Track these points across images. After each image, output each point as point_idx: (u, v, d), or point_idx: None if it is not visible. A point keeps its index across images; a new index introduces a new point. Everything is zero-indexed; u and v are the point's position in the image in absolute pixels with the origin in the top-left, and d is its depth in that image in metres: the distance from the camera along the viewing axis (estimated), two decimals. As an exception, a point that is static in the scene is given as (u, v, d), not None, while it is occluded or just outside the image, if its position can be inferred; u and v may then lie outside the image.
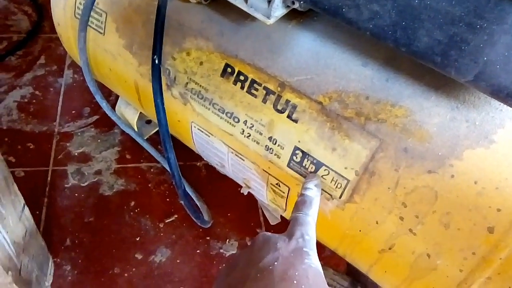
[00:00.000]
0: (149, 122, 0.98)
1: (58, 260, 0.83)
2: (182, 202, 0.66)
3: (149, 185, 0.93)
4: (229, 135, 0.63)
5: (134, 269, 0.82)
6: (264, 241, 0.43)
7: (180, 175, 0.64)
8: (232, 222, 0.88)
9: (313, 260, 0.42)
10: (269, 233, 0.45)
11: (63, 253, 0.83)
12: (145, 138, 0.93)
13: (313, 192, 0.52)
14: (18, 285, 0.65)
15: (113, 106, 0.89)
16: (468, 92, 0.50)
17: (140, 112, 0.89)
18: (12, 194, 0.63)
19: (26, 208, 0.69)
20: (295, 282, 0.39)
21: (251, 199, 0.92)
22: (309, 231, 0.46)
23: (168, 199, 0.91)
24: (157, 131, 0.97)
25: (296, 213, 0.49)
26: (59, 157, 0.96)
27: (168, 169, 0.89)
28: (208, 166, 0.96)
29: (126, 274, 0.81)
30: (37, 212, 0.87)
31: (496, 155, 0.48)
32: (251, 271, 0.40)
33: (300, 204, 0.50)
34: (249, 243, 0.84)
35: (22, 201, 0.67)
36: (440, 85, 0.51)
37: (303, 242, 0.44)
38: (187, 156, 0.73)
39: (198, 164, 0.96)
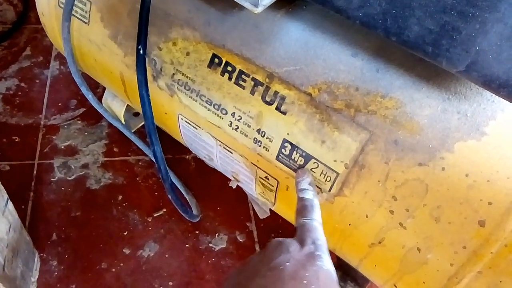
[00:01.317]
0: (136, 114, 0.96)
1: (44, 255, 0.81)
2: (169, 196, 0.65)
3: (137, 178, 0.91)
4: (217, 128, 0.62)
5: (122, 264, 0.81)
6: (277, 245, 0.43)
7: (167, 168, 0.63)
8: (221, 216, 0.87)
9: (325, 262, 0.42)
10: (282, 238, 0.45)
11: (50, 248, 0.82)
12: (133, 130, 0.91)
13: (310, 193, 0.51)
14: (1, 281, 0.64)
15: (99, 98, 0.87)
16: (459, 83, 0.49)
17: (128, 104, 0.88)
18: (-5, 188, 0.62)
19: (10, 203, 0.67)
20: (305, 282, 0.38)
21: (241, 193, 0.91)
22: (319, 236, 0.46)
23: (156, 193, 0.89)
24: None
25: (302, 219, 0.48)
26: (45, 150, 0.94)
27: (156, 163, 0.88)
28: (197, 159, 0.94)
29: (113, 269, 0.80)
30: (23, 207, 0.85)
31: (488, 148, 0.47)
32: (262, 269, 0.40)
33: (303, 209, 0.49)
34: (240, 238, 0.83)
35: (6, 196, 0.66)
36: (431, 76, 0.50)
37: (315, 247, 0.43)
38: (176, 149, 0.72)
39: (187, 157, 0.95)
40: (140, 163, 0.93)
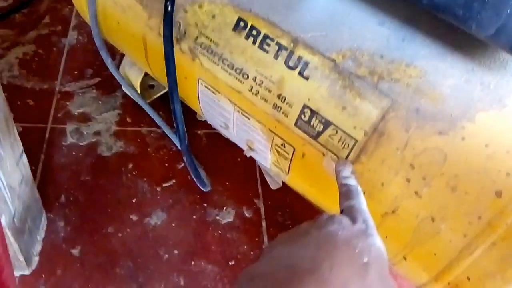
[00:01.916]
0: (152, 86, 0.96)
1: (52, 215, 0.82)
2: (184, 158, 0.65)
3: (149, 149, 0.92)
4: (236, 93, 0.62)
5: (128, 230, 0.81)
6: (328, 217, 0.42)
7: (185, 129, 0.63)
8: (230, 191, 0.87)
9: (377, 242, 0.41)
10: (334, 213, 0.45)
11: (57, 209, 0.82)
12: (147, 102, 0.92)
13: (353, 180, 0.51)
14: (10, 231, 0.64)
15: (117, 67, 0.88)
16: (484, 55, 0.49)
17: (143, 77, 0.88)
18: (12, 137, 0.62)
19: (24, 155, 0.68)
20: (357, 250, 0.38)
21: (250, 170, 0.91)
22: (369, 217, 0.45)
23: (167, 164, 0.90)
24: (159, 97, 0.96)
25: (349, 202, 0.47)
26: (59, 115, 0.94)
27: (169, 134, 0.88)
28: (209, 135, 0.95)
29: (120, 234, 0.80)
30: (33, 168, 0.85)
31: (509, 119, 0.47)
32: (313, 232, 0.39)
33: (348, 193, 0.49)
34: (247, 214, 0.84)
35: (21, 147, 0.66)
36: (456, 47, 0.50)
37: (366, 227, 0.43)
38: (188, 123, 0.72)
39: (199, 132, 0.95)
40: (152, 135, 0.94)
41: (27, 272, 0.75)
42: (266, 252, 0.39)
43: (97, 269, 0.77)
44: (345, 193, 0.49)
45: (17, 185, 0.65)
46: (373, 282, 0.37)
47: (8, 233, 0.63)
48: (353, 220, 0.43)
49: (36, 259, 0.77)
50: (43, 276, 0.76)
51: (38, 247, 0.78)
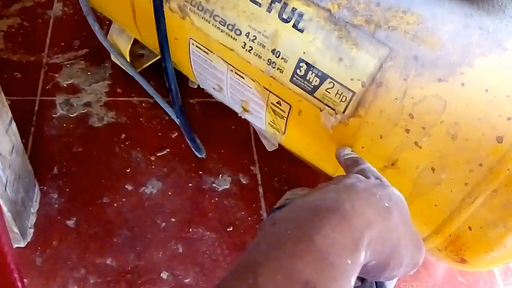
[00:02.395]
0: (141, 55, 0.94)
1: (45, 188, 0.80)
2: (178, 120, 0.64)
3: (141, 119, 0.90)
4: (229, 51, 0.60)
5: (124, 200, 0.80)
6: (345, 175, 0.42)
7: (178, 88, 0.62)
8: (225, 158, 0.86)
9: (397, 191, 0.41)
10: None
11: (50, 182, 0.81)
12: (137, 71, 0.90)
13: (355, 154, 0.52)
14: (3, 200, 0.63)
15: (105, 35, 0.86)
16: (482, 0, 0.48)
17: (132, 46, 0.86)
18: (0, 103, 0.60)
19: (13, 123, 0.66)
20: (378, 196, 0.37)
21: (245, 138, 0.90)
22: (382, 176, 0.45)
23: (160, 134, 0.88)
24: (148, 67, 0.94)
25: (358, 167, 0.47)
26: (47, 87, 0.92)
27: (160, 103, 0.86)
28: (202, 103, 0.93)
29: (115, 204, 0.79)
30: (24, 141, 0.83)
31: (509, 63, 0.46)
32: (331, 184, 0.39)
33: (354, 162, 0.49)
34: (244, 180, 0.83)
35: (10, 114, 0.65)
36: (454, -8, 0.49)
37: (381, 181, 0.43)
38: (181, 93, 0.70)
39: (192, 101, 0.93)
40: (143, 104, 0.92)
41: (22, 244, 0.74)
42: (283, 201, 0.39)
43: (93, 239, 0.76)
44: (352, 163, 0.49)
45: (8, 154, 0.64)
46: (398, 224, 0.36)
47: (0, 202, 0.62)
48: (367, 178, 0.43)
49: (31, 231, 0.76)
50: (39, 248, 0.75)
51: (32, 219, 0.77)
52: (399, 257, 0.36)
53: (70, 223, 0.77)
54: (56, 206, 0.79)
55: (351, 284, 0.31)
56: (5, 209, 0.63)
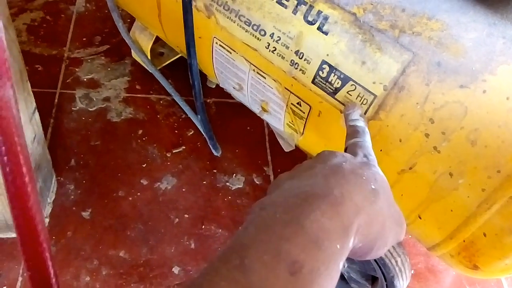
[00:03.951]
0: (161, 54, 0.96)
1: (62, 179, 0.81)
2: (198, 116, 0.65)
3: (158, 116, 0.91)
4: (252, 50, 0.61)
5: (138, 194, 0.81)
6: (330, 152, 0.42)
7: (200, 85, 0.63)
8: (239, 158, 0.87)
9: (380, 172, 0.41)
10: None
11: (67, 173, 0.82)
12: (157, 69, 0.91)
13: (361, 122, 0.51)
14: (24, 187, 0.64)
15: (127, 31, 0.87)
16: (506, 9, 0.49)
17: (153, 45, 0.88)
18: (25, 92, 0.62)
19: (37, 113, 0.67)
20: (364, 178, 0.38)
21: (259, 138, 0.91)
22: (371, 152, 0.45)
23: (176, 131, 0.90)
24: (168, 65, 0.96)
25: (352, 140, 0.47)
26: (68, 81, 0.94)
27: (178, 101, 0.88)
28: (218, 104, 0.94)
29: (130, 198, 0.81)
30: (43, 132, 0.85)
31: (532, 72, 0.47)
32: (317, 165, 0.39)
33: (354, 133, 0.49)
34: (257, 181, 0.84)
35: (34, 104, 0.66)
36: (478, 1, 0.50)
37: (367, 160, 0.43)
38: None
39: (209, 101, 0.95)
40: (161, 102, 0.93)
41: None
42: (273, 188, 0.39)
43: (107, 231, 0.77)
44: (351, 133, 0.49)
45: (30, 142, 0.65)
46: (383, 207, 0.37)
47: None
48: (355, 154, 0.43)
49: (46, 220, 0.77)
50: (54, 237, 0.76)
51: (48, 209, 0.78)
52: (384, 238, 0.37)
53: (85, 214, 0.78)
54: (72, 197, 0.80)
55: (339, 268, 0.32)
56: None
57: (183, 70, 0.67)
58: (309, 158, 0.45)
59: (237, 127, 0.92)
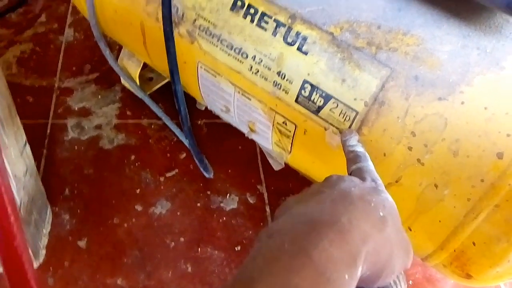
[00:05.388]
0: (150, 79, 0.97)
1: (57, 209, 0.82)
2: (186, 140, 0.66)
3: (150, 140, 0.92)
4: (236, 73, 0.62)
5: (134, 220, 0.81)
6: (339, 177, 0.42)
7: (187, 110, 0.63)
8: (232, 178, 0.88)
9: (389, 197, 0.41)
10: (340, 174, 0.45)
11: (62, 203, 0.83)
12: (146, 94, 0.92)
13: (360, 147, 0.51)
14: (18, 221, 0.64)
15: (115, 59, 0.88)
16: (479, 20, 0.50)
17: (142, 70, 0.89)
18: (15, 126, 0.63)
19: (28, 146, 0.68)
20: (372, 205, 0.38)
21: (252, 157, 0.92)
22: (378, 177, 0.45)
23: (168, 155, 0.90)
24: (157, 89, 0.97)
25: (356, 165, 0.48)
26: (59, 111, 0.95)
27: (169, 125, 0.89)
28: (209, 125, 0.95)
29: (125, 225, 0.81)
30: (36, 163, 0.85)
31: (506, 81, 0.48)
32: (325, 190, 0.39)
33: (356, 157, 0.49)
34: (251, 200, 0.84)
35: (24, 137, 0.67)
36: (451, 14, 0.51)
37: (376, 184, 0.43)
38: (188, 114, 0.73)
39: (199, 122, 0.96)
40: (152, 126, 0.94)
41: (34, 265, 0.75)
42: (281, 212, 0.39)
43: (104, 259, 0.77)
44: (353, 158, 0.49)
45: (22, 176, 0.66)
46: (391, 234, 0.37)
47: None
48: (363, 179, 0.43)
49: (43, 252, 0.77)
50: (51, 268, 0.76)
51: (44, 240, 0.78)
52: (392, 266, 0.37)
53: (81, 243, 0.79)
54: (68, 227, 0.80)
55: None
56: (19, 229, 0.65)
57: (173, 93, 0.68)
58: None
59: (229, 147, 0.92)
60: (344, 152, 0.52)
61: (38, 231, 0.75)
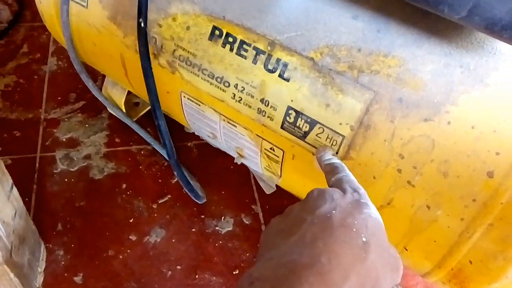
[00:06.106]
0: (137, 104, 0.96)
1: (50, 245, 0.81)
2: (175, 172, 0.65)
3: (140, 167, 0.91)
4: (220, 102, 0.62)
5: (129, 251, 0.80)
6: (319, 194, 0.41)
7: (172, 144, 0.63)
8: (226, 200, 0.87)
9: (372, 210, 0.41)
10: (323, 188, 0.43)
11: (55, 238, 0.81)
12: (134, 120, 0.91)
13: (336, 160, 0.51)
14: (9, 266, 0.63)
15: (99, 89, 0.87)
16: (460, 37, 0.49)
17: (128, 94, 0.88)
18: (0, 172, 0.62)
19: (15, 189, 0.67)
20: (354, 230, 0.37)
21: (244, 176, 0.91)
22: (359, 185, 0.44)
23: (160, 180, 0.89)
24: (145, 113, 0.96)
25: (336, 176, 0.47)
26: (47, 143, 0.93)
27: (159, 150, 0.88)
28: (200, 146, 0.94)
29: (121, 256, 0.80)
30: (27, 199, 0.84)
31: (492, 99, 0.47)
32: (307, 217, 0.38)
33: (334, 169, 0.48)
34: (246, 220, 0.83)
35: (10, 181, 0.66)
36: (432, 32, 0.50)
37: (359, 195, 0.42)
38: (177, 136, 0.72)
39: (189, 144, 0.95)
40: (142, 152, 0.93)
41: (31, 304, 0.74)
42: (263, 250, 0.39)
43: (101, 294, 0.76)
44: (331, 170, 0.48)
45: (11, 220, 0.65)
46: (375, 260, 0.36)
47: (7, 270, 0.62)
48: (344, 191, 0.42)
49: (39, 290, 0.76)
50: (48, 307, 0.75)
51: (40, 279, 0.77)
52: None
53: (77, 279, 0.77)
54: (63, 263, 0.79)
55: None
56: (11, 275, 0.64)
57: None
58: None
59: (220, 167, 0.91)
60: (321, 167, 0.51)
61: (32, 271, 0.74)
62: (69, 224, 0.83)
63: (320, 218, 0.38)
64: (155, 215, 0.85)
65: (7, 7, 1.20)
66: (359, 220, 0.38)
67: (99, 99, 0.84)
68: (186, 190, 0.71)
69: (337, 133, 0.53)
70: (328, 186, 0.47)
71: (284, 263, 0.35)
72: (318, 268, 0.33)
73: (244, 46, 0.57)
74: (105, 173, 0.90)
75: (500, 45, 0.48)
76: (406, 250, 0.57)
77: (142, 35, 0.59)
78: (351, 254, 0.35)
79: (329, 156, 0.52)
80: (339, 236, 0.36)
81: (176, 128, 0.74)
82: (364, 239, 0.37)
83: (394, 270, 0.39)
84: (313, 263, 0.34)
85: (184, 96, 0.66)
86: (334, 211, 0.38)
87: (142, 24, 0.59)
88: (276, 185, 0.76)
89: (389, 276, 0.38)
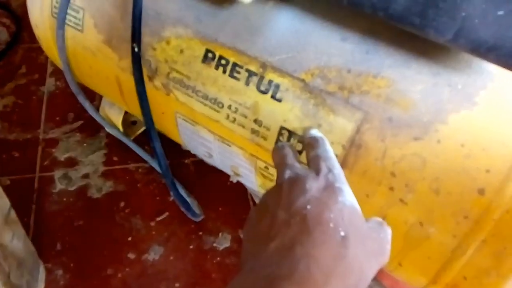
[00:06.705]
0: (134, 123, 0.97)
1: (50, 265, 0.81)
2: (171, 192, 0.65)
3: (138, 185, 0.92)
4: (214, 122, 0.62)
5: (127, 269, 0.81)
6: (292, 183, 0.40)
7: (167, 164, 0.63)
8: (223, 216, 0.88)
9: (347, 196, 0.40)
10: (295, 172, 0.42)
11: (54, 258, 0.82)
12: (131, 139, 0.92)
13: (318, 132, 0.50)
14: (8, 289, 0.64)
15: (96, 110, 0.88)
16: (448, 57, 0.50)
17: (125, 113, 0.89)
18: (-3, 196, 0.62)
19: (13, 211, 0.68)
20: (331, 225, 0.36)
21: (241, 192, 0.91)
22: (335, 164, 0.43)
23: (158, 198, 0.90)
24: (143, 131, 0.97)
25: (314, 151, 0.45)
26: (45, 163, 0.94)
27: (156, 168, 0.88)
28: (196, 163, 0.95)
29: (119, 275, 0.80)
30: (26, 219, 0.85)
31: (481, 117, 0.48)
32: (283, 216, 0.38)
33: (314, 143, 0.47)
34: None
35: (8, 203, 0.66)
36: (420, 53, 0.51)
37: (333, 176, 0.41)
38: (174, 154, 0.73)
39: (186, 161, 0.95)
40: (140, 170, 0.94)
41: (31, 326, 0.75)
42: (245, 255, 0.38)
43: (100, 313, 0.77)
44: (310, 144, 0.47)
45: (9, 242, 0.65)
46: (356, 253, 0.36)
47: (5, 292, 0.63)
48: (318, 171, 0.41)
49: (38, 312, 0.77)
50: (48, 328, 0.75)
51: (39, 299, 0.77)
52: (365, 278, 0.36)
53: (77, 299, 0.78)
54: (62, 282, 0.80)
55: None
56: (10, 297, 0.64)
57: (158, 134, 0.68)
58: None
59: (218, 184, 0.92)
60: (304, 141, 0.51)
61: (31, 292, 0.75)
62: (68, 243, 0.84)
63: (297, 217, 0.37)
64: (153, 232, 0.85)
65: (5, 29, 1.22)
66: (335, 211, 0.37)
67: (96, 119, 0.85)
68: (183, 209, 0.72)
69: (330, 152, 0.54)
70: (307, 160, 0.46)
71: (263, 276, 0.34)
72: (296, 278, 0.33)
73: (237, 68, 0.58)
74: (103, 192, 0.91)
75: (487, 64, 0.49)
76: (401, 266, 0.57)
77: (136, 60, 0.60)
78: (330, 255, 0.35)
79: (314, 131, 0.51)
80: (317, 237, 0.36)
81: (173, 145, 0.74)
82: (342, 234, 0.36)
83: (379, 255, 0.38)
84: (291, 274, 0.33)
85: (179, 117, 0.67)
86: (309, 206, 0.38)
87: (136, 49, 0.60)
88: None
89: (375, 263, 0.37)
